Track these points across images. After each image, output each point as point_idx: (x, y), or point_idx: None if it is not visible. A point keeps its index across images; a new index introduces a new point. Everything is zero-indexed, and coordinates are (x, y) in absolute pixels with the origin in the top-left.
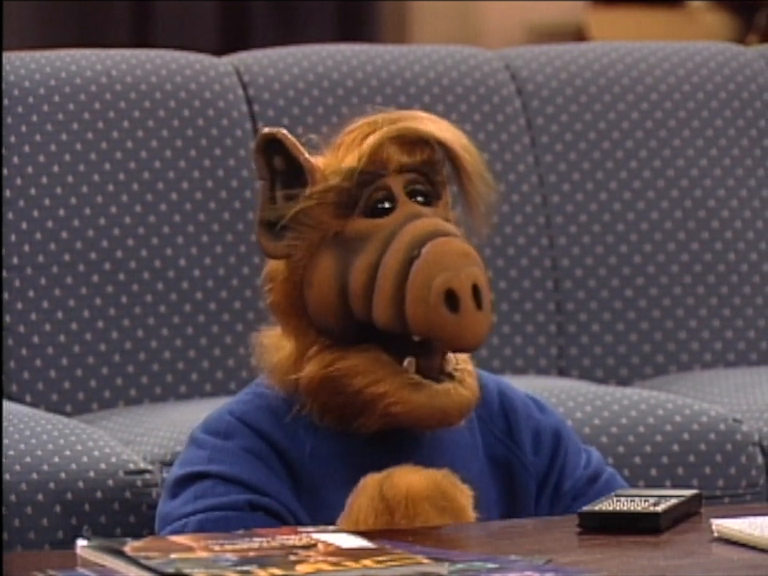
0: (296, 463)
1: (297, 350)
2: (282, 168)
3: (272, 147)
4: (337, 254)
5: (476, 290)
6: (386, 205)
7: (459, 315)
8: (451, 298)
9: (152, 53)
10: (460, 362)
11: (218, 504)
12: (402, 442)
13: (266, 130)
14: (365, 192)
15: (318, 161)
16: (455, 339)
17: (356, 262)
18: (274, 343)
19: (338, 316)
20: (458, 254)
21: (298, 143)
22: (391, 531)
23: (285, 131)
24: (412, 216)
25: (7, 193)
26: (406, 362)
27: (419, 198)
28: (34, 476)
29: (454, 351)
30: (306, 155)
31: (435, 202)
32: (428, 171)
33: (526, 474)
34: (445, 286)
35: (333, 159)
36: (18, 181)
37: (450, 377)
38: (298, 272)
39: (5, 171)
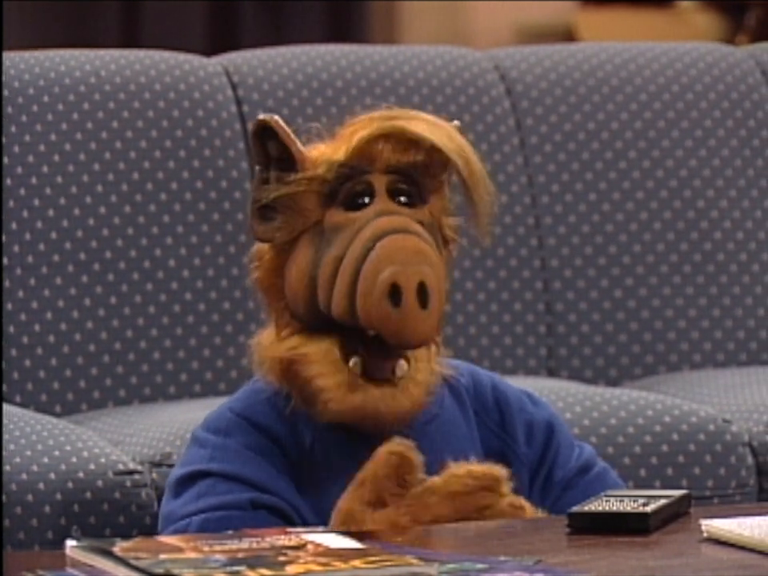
0: (297, 456)
1: (275, 330)
2: (276, 154)
3: (266, 133)
4: (314, 244)
5: (422, 289)
6: (365, 200)
7: (400, 310)
8: (395, 293)
9: (141, 53)
10: (420, 369)
11: (220, 503)
12: (402, 434)
13: (261, 116)
14: (345, 185)
15: (315, 149)
16: (396, 334)
17: (326, 254)
18: (266, 336)
19: (306, 304)
20: (411, 251)
21: (290, 132)
22: (381, 532)
23: (278, 119)
24: (382, 212)
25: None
26: (351, 362)
27: (402, 198)
28: (24, 476)
29: (397, 347)
30: (297, 144)
31: (419, 205)
32: (415, 173)
33: (520, 465)
34: (389, 280)
35: (328, 149)
36: (8, 179)
37: (392, 383)
38: (282, 255)
39: None
